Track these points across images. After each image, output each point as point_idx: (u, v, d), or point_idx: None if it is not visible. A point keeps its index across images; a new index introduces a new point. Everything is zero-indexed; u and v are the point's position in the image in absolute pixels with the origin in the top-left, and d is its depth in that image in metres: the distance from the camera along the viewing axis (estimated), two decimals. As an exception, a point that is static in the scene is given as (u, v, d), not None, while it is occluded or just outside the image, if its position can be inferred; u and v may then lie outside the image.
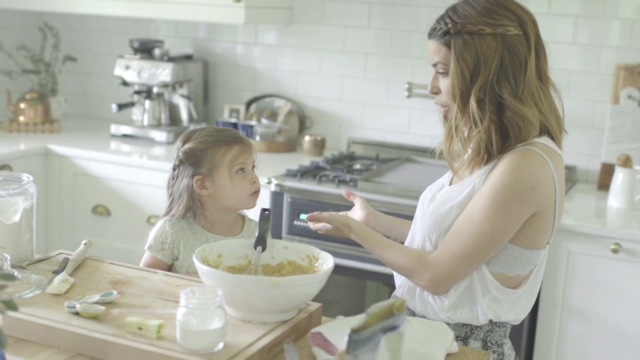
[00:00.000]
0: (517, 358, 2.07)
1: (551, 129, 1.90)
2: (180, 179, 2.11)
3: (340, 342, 1.56)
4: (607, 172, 3.31)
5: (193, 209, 2.11)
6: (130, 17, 4.04)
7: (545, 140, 1.88)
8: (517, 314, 1.96)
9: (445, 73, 1.88)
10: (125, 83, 4.04)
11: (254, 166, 2.14)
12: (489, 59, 1.82)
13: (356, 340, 1.34)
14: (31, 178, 2.03)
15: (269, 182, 3.24)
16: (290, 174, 3.30)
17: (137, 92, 4.03)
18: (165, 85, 3.97)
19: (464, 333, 1.93)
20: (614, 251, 2.82)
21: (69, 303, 1.70)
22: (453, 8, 1.88)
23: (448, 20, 1.86)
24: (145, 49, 4.04)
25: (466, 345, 1.92)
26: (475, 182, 1.89)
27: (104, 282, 1.89)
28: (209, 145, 2.09)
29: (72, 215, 3.78)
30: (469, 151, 1.91)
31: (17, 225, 1.98)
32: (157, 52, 4.00)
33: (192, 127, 3.77)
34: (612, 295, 2.87)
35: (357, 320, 1.36)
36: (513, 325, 2.00)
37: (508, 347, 1.99)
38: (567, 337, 2.95)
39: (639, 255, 2.81)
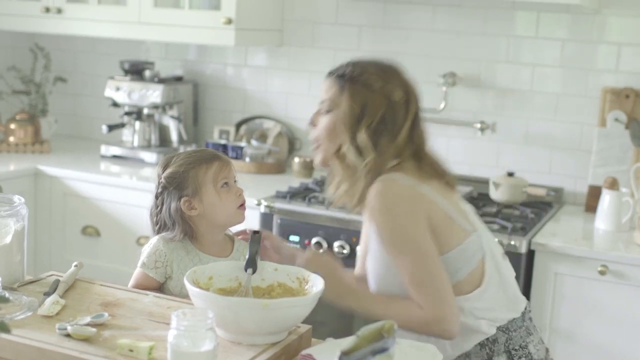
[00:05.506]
0: (549, 351, 2.09)
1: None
2: (167, 205, 2.10)
3: (330, 364, 1.57)
4: (594, 194, 3.34)
5: (189, 232, 2.12)
6: (121, 39, 4.06)
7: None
8: (509, 309, 1.99)
9: (329, 111, 2.01)
10: (115, 104, 4.05)
11: (235, 180, 2.17)
12: (372, 113, 1.95)
13: (346, 362, 1.36)
14: (22, 200, 2.03)
15: (259, 204, 3.25)
16: (280, 196, 3.31)
17: (128, 113, 4.05)
18: (155, 106, 3.98)
19: (486, 354, 1.95)
20: (601, 273, 2.84)
21: (60, 325, 1.70)
22: (355, 60, 2.05)
23: (349, 68, 2.02)
24: (135, 71, 4.06)
25: None
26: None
27: (95, 303, 1.89)
28: (190, 166, 2.10)
29: (61, 236, 3.78)
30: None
31: (8, 247, 1.98)
32: (147, 73, 4.01)
33: (182, 148, 3.79)
34: (599, 317, 2.89)
35: (347, 342, 1.38)
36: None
37: (534, 345, 2.02)
38: (555, 358, 2.95)
39: (626, 277, 2.83)
